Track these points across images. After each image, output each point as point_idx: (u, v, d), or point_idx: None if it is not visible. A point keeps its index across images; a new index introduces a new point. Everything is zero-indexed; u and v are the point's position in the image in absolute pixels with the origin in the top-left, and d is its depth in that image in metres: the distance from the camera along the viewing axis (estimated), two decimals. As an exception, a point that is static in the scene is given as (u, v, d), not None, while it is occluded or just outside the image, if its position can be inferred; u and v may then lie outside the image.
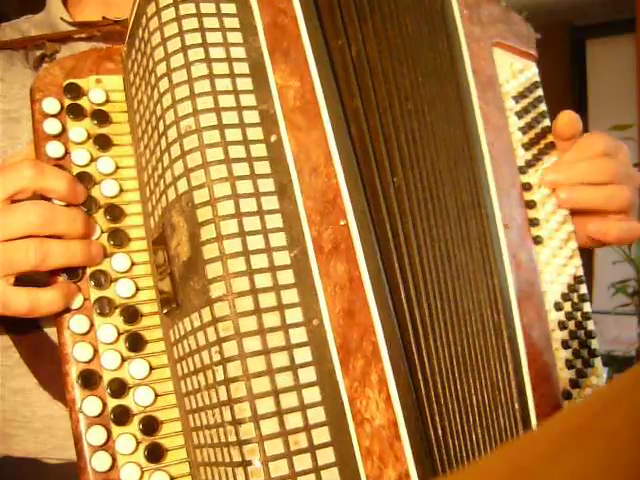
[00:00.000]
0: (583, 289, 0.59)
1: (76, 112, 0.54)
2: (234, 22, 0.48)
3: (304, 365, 0.43)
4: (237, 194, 0.44)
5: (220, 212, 0.44)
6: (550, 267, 0.58)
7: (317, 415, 0.43)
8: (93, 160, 0.53)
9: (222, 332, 0.43)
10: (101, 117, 0.55)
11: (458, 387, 0.49)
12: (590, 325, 0.58)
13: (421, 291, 0.49)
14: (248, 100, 0.46)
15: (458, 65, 0.57)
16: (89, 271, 0.51)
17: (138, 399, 0.50)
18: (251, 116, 0.46)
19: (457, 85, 0.57)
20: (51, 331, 0.56)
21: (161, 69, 0.47)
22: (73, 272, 0.51)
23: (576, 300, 0.58)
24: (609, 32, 3.28)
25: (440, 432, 0.47)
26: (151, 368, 0.51)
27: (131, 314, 0.51)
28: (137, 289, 0.52)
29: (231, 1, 0.48)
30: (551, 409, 0.53)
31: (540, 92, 0.64)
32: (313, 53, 0.48)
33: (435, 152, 0.53)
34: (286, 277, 0.44)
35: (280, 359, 0.43)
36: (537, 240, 0.58)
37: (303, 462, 0.42)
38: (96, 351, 0.50)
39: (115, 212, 0.53)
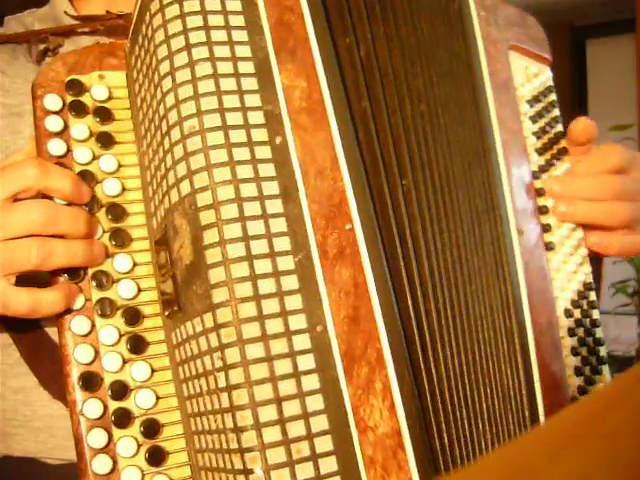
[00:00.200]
0: (592, 296, 0.59)
1: (78, 109, 0.53)
2: (239, 20, 0.47)
3: (307, 372, 0.42)
4: (241, 197, 0.43)
5: (223, 216, 0.43)
6: (560, 273, 0.57)
7: (320, 423, 0.42)
8: (95, 158, 0.53)
9: (224, 338, 0.42)
10: (103, 114, 0.54)
11: (467, 394, 0.48)
12: (599, 332, 0.58)
13: (429, 297, 0.48)
14: (253, 100, 0.45)
15: (475, 67, 0.56)
16: (90, 272, 0.50)
17: (139, 402, 0.49)
18: (256, 117, 0.45)
19: (473, 87, 0.55)
20: (52, 330, 0.56)
21: (164, 67, 0.46)
22: (74, 272, 0.50)
23: (585, 307, 0.58)
24: (609, 32, 3.28)
25: (446, 440, 0.46)
26: (153, 370, 0.50)
27: (133, 316, 0.51)
28: (139, 290, 0.51)
29: (237, -2, 0.47)
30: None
31: (554, 97, 0.63)
32: (320, 52, 0.47)
33: (449, 155, 0.52)
34: (290, 282, 0.43)
35: (283, 366, 0.42)
36: (549, 246, 0.57)
37: (305, 471, 0.41)
38: (97, 353, 0.49)
39: (117, 211, 0.52)
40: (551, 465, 0.18)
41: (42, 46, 0.63)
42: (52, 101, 0.53)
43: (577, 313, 0.57)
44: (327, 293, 0.44)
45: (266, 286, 0.42)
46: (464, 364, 0.49)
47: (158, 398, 0.50)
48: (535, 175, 0.58)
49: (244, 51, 0.46)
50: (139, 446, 0.49)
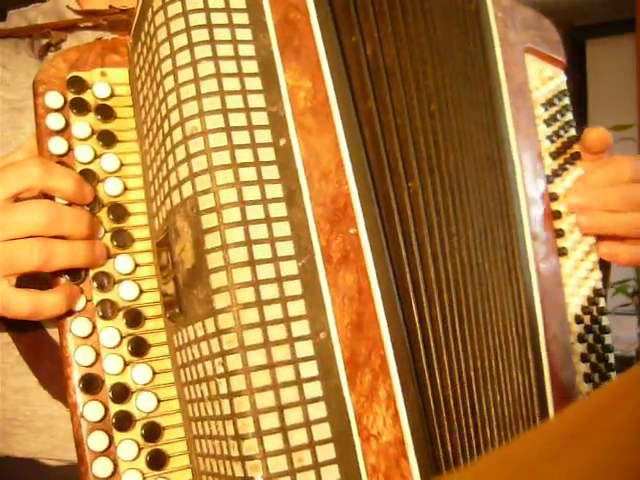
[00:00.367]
0: (602, 302, 0.58)
1: (80, 107, 0.52)
2: (243, 18, 0.46)
3: (310, 380, 0.42)
4: (243, 201, 0.42)
5: (226, 219, 0.42)
6: (572, 279, 0.56)
7: (322, 431, 0.41)
8: (97, 157, 0.52)
9: (226, 345, 0.41)
10: (105, 112, 0.53)
11: (475, 401, 0.47)
12: (608, 339, 0.57)
13: (435, 302, 0.47)
14: (257, 101, 0.44)
15: (491, 69, 0.55)
16: (92, 273, 0.50)
17: (140, 405, 0.49)
18: (259, 118, 0.44)
19: (489, 89, 0.54)
20: (52, 330, 0.55)
21: (167, 66, 0.46)
22: (75, 273, 0.49)
23: (595, 313, 0.57)
24: (609, 32, 3.28)
25: (450, 449, 0.45)
26: (154, 373, 0.50)
27: (134, 317, 0.50)
28: (141, 291, 0.51)
29: (241, -5, 0.46)
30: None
31: (567, 100, 0.62)
32: (326, 52, 0.46)
33: (460, 157, 0.51)
34: (293, 288, 0.42)
35: (285, 373, 0.41)
36: (562, 252, 0.56)
37: None
38: (98, 355, 0.49)
39: (119, 212, 0.51)
40: (551, 464, 0.18)
41: (44, 41, 0.62)
42: (53, 98, 0.52)
43: (587, 319, 0.56)
44: (331, 299, 0.43)
45: (269, 292, 0.42)
46: (471, 370, 0.48)
47: (159, 401, 0.49)
48: (549, 179, 0.58)
49: (248, 50, 0.45)
50: (140, 449, 0.48)
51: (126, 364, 0.49)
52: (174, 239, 0.46)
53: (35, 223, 0.46)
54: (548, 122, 0.59)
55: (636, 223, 0.57)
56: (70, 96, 0.52)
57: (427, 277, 0.47)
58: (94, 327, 0.49)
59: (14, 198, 0.47)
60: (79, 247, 0.48)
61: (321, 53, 0.46)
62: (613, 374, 0.57)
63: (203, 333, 0.43)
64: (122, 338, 0.49)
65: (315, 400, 0.41)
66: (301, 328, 0.42)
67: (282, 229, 0.43)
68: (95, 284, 0.50)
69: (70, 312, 0.49)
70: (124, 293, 0.50)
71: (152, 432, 0.49)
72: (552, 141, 0.59)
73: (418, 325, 0.46)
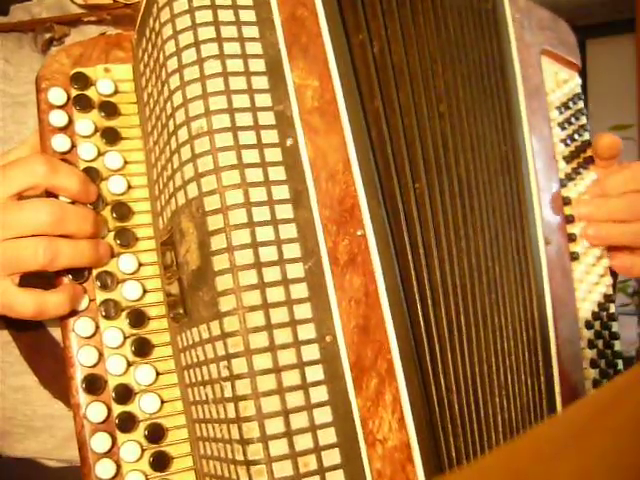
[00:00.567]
0: (612, 308, 0.57)
1: (83, 103, 0.52)
2: (250, 15, 0.45)
3: (316, 384, 0.41)
4: (250, 202, 0.42)
5: (232, 221, 0.41)
6: (583, 284, 0.56)
7: (328, 436, 0.41)
8: (100, 155, 0.51)
9: (231, 348, 0.41)
10: (109, 109, 0.52)
11: (481, 406, 0.47)
12: (617, 345, 0.57)
13: (440, 305, 0.47)
14: (263, 100, 0.44)
15: (507, 70, 0.54)
16: (95, 272, 0.49)
17: (144, 406, 0.48)
18: (266, 118, 0.44)
19: (505, 91, 0.53)
20: (52, 328, 0.55)
21: (172, 64, 0.45)
22: (79, 273, 0.49)
23: (605, 319, 0.56)
24: (609, 32, 3.28)
25: (455, 454, 0.45)
26: (157, 373, 0.49)
27: (138, 317, 0.49)
28: (144, 291, 0.50)
29: (248, -8, 0.45)
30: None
31: (582, 104, 0.61)
32: (334, 50, 0.45)
33: (472, 159, 0.50)
34: (299, 291, 0.42)
35: (291, 377, 0.41)
36: (573, 256, 0.56)
37: (312, 484, 0.40)
38: (101, 355, 0.48)
39: (122, 210, 0.51)
40: (551, 464, 0.18)
41: (48, 35, 0.62)
42: (56, 95, 0.51)
43: (597, 325, 0.56)
44: (337, 302, 0.42)
45: (275, 294, 0.41)
46: (477, 375, 0.47)
47: (163, 402, 0.49)
48: (562, 183, 0.57)
49: (255, 48, 0.44)
50: (143, 451, 0.48)
51: (129, 364, 0.49)
52: (179, 240, 0.45)
53: (41, 222, 0.46)
54: (562, 125, 0.59)
55: None
56: (74, 92, 0.52)
57: (433, 280, 0.47)
58: (97, 327, 0.49)
59: (18, 196, 0.47)
60: (84, 246, 0.47)
61: (329, 51, 0.46)
62: (621, 379, 0.57)
63: (208, 335, 0.43)
64: (125, 338, 0.49)
65: (321, 405, 0.41)
66: (307, 331, 0.41)
67: (288, 231, 0.42)
68: (98, 283, 0.49)
69: (73, 312, 0.48)
70: (127, 293, 0.49)
71: (155, 433, 0.48)
72: (566, 145, 0.59)
73: (424, 329, 0.45)
